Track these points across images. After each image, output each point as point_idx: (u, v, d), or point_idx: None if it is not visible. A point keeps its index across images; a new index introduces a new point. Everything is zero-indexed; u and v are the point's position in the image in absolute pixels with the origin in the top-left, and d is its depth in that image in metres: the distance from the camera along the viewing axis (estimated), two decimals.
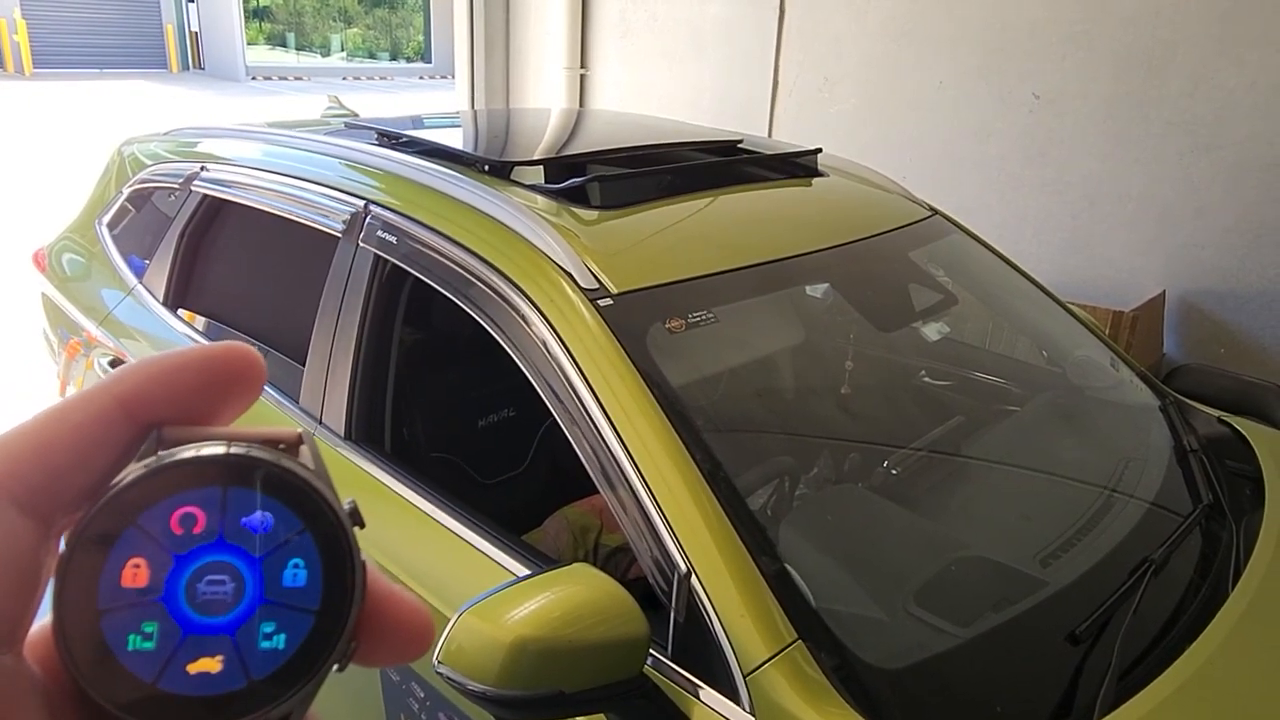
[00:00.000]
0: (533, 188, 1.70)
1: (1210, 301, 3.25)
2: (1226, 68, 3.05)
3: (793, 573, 1.23)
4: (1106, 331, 2.64)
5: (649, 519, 1.22)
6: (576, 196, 1.67)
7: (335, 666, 0.27)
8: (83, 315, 2.48)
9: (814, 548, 1.46)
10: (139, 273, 2.36)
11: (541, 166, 1.81)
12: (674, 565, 1.19)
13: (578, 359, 1.34)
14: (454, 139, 2.15)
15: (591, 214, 1.63)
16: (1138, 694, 1.17)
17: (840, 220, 1.90)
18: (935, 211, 2.10)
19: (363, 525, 0.28)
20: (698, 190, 1.80)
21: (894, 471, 1.63)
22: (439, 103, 14.92)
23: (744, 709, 1.10)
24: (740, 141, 2.14)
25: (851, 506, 1.60)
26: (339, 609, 0.27)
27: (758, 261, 1.62)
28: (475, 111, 4.54)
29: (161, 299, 2.26)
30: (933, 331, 2.19)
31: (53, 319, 2.66)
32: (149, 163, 2.49)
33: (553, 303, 1.40)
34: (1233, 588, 1.39)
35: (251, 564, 0.26)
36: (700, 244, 1.66)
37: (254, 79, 19.58)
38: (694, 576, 1.17)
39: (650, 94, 4.79)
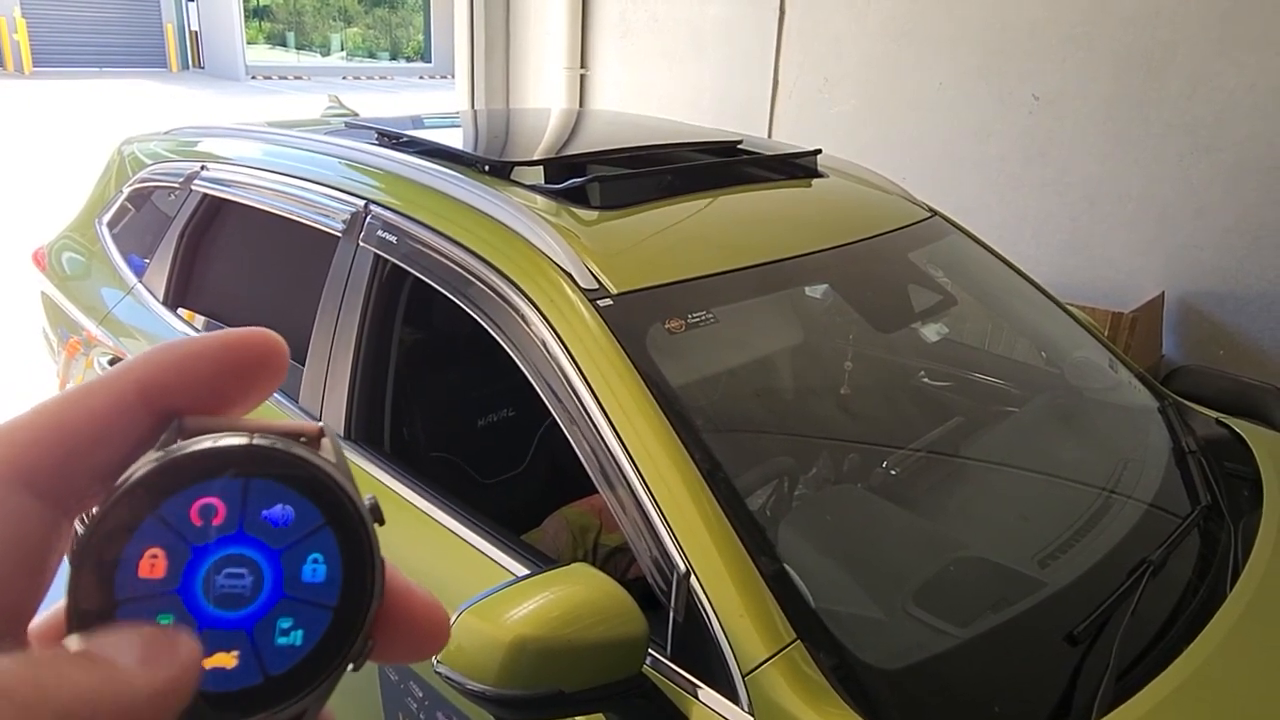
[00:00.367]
0: (533, 188, 1.70)
1: (1209, 303, 3.25)
2: (1226, 69, 3.05)
3: (792, 573, 1.23)
4: (1105, 332, 2.64)
5: (648, 519, 1.22)
6: (576, 197, 1.67)
7: (351, 665, 0.27)
8: (82, 314, 2.48)
9: (813, 548, 1.46)
10: (139, 272, 2.36)
11: (541, 167, 1.82)
12: (673, 565, 1.19)
13: (577, 359, 1.34)
14: (454, 139, 2.15)
15: (591, 214, 1.64)
16: (1136, 694, 1.17)
17: (840, 221, 1.90)
18: (935, 212, 2.10)
19: (383, 522, 0.27)
20: (697, 191, 1.80)
21: (893, 472, 1.63)
22: (439, 103, 14.91)
23: (743, 709, 1.11)
24: (740, 142, 2.14)
25: (850, 507, 1.60)
26: (357, 606, 0.26)
27: (757, 262, 1.62)
28: (475, 111, 4.54)
29: (161, 298, 2.26)
30: (932, 332, 2.19)
31: (52, 318, 2.66)
32: (149, 162, 2.49)
33: (552, 303, 1.40)
34: (1231, 589, 1.39)
35: (271, 557, 0.26)
36: (700, 244, 1.66)
37: (254, 78, 19.58)
38: (693, 576, 1.17)
39: (650, 94, 4.79)
